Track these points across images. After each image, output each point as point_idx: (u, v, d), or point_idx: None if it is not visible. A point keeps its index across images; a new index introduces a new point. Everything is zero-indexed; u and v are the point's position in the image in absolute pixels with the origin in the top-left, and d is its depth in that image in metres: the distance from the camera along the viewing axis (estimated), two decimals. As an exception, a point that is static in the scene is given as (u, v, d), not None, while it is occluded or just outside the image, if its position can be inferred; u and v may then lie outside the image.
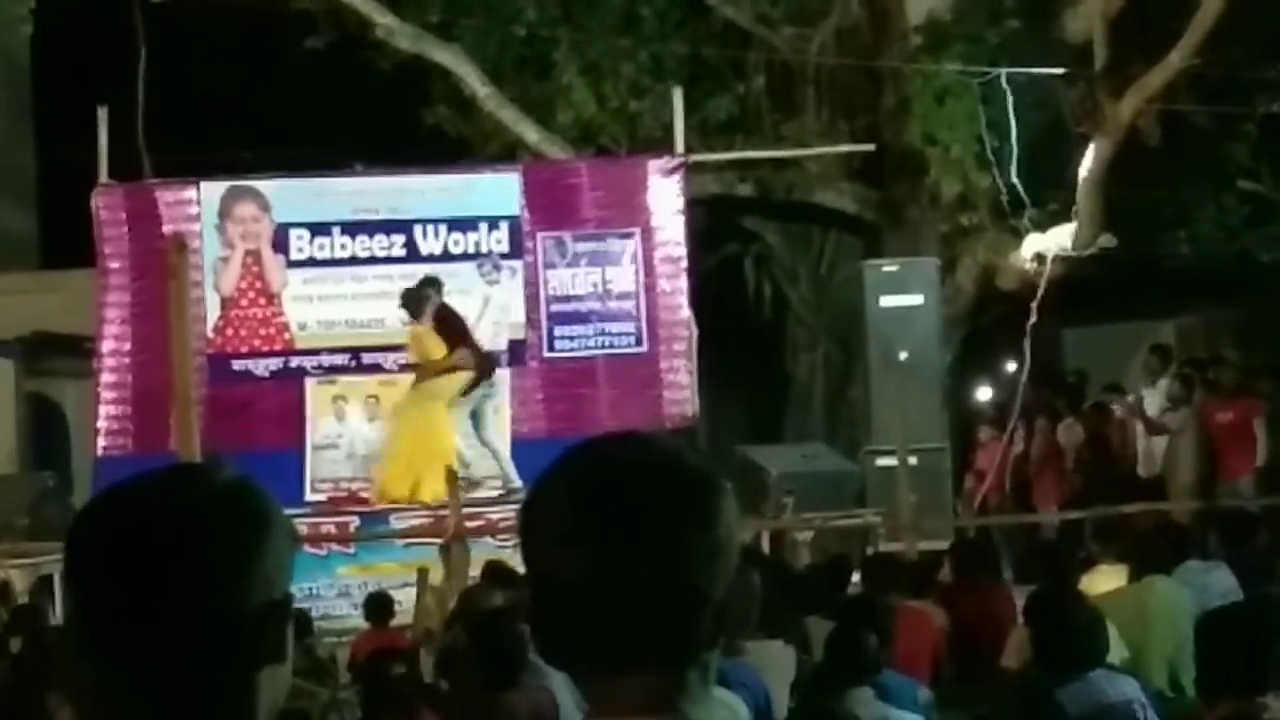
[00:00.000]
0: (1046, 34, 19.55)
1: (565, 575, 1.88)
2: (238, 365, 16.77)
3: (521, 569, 2.17)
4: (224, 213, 16.86)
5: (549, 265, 17.00)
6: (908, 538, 14.67)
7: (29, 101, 25.66)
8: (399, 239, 16.90)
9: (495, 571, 10.90)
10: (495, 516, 14.85)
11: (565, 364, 16.96)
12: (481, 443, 16.29)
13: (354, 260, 16.87)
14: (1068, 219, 18.81)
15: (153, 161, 18.15)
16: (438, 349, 15.94)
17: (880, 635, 7.20)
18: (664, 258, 17.01)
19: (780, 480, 16.07)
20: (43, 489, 17.06)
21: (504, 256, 16.87)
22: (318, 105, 23.51)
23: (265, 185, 17.07)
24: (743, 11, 21.34)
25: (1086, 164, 18.43)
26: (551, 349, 16.98)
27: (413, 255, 16.88)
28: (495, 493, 15.97)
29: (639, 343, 16.97)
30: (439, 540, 14.04)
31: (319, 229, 16.90)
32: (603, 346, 16.98)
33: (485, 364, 16.26)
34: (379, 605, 11.94)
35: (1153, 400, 17.42)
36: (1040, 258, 18.79)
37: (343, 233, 16.90)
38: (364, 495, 16.29)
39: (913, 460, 15.62)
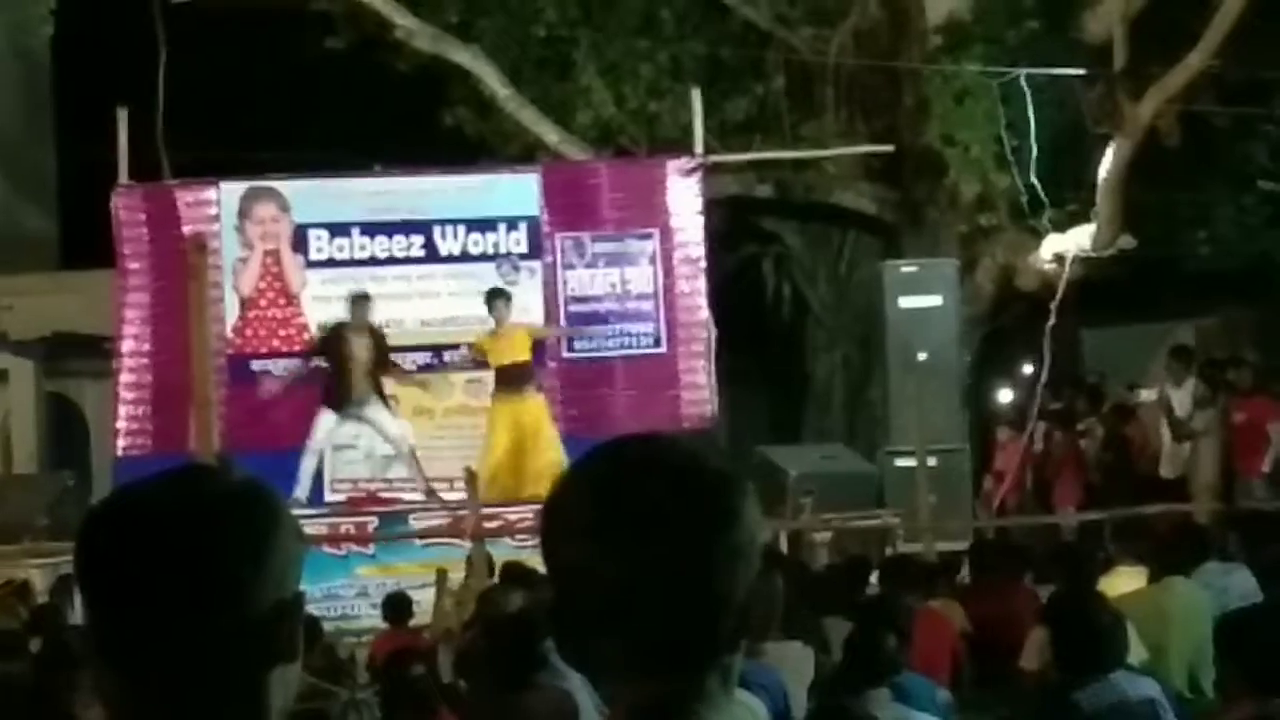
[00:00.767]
0: (1066, 34, 19.52)
1: (585, 576, 1.87)
2: (257, 365, 16.79)
3: (541, 569, 2.17)
4: (243, 213, 16.89)
5: (568, 266, 17.01)
6: (926, 539, 14.66)
7: (49, 102, 25.72)
8: (418, 240, 16.92)
9: (514, 572, 10.89)
10: (513, 517, 14.86)
11: (584, 364, 16.96)
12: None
13: (373, 261, 16.90)
14: (1087, 220, 18.78)
15: (172, 162, 18.17)
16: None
17: (899, 636, 7.18)
18: (683, 258, 17.01)
19: (799, 481, 16.05)
20: (62, 489, 17.11)
21: (523, 257, 16.88)
22: (337, 106, 23.55)
23: (285, 186, 17.10)
24: (762, 12, 21.33)
25: (1106, 164, 18.39)
26: (570, 349, 16.99)
27: (432, 256, 16.90)
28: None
29: (658, 343, 16.98)
30: (457, 541, 14.05)
31: (338, 229, 16.93)
32: (621, 347, 16.99)
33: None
34: (398, 606, 11.94)
35: (1179, 401, 17.38)
36: (1059, 258, 18.77)
37: (362, 233, 16.93)
38: (383, 495, 16.30)
39: (932, 461, 15.61)
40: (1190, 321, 22.16)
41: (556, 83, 21.23)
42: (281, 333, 16.83)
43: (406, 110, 21.92)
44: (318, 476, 16.08)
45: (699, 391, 16.85)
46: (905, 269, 17.89)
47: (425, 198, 17.15)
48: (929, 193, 19.85)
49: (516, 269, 16.77)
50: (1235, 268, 21.03)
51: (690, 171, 17.12)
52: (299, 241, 16.88)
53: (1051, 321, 18.29)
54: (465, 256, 16.91)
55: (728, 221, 20.78)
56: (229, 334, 16.67)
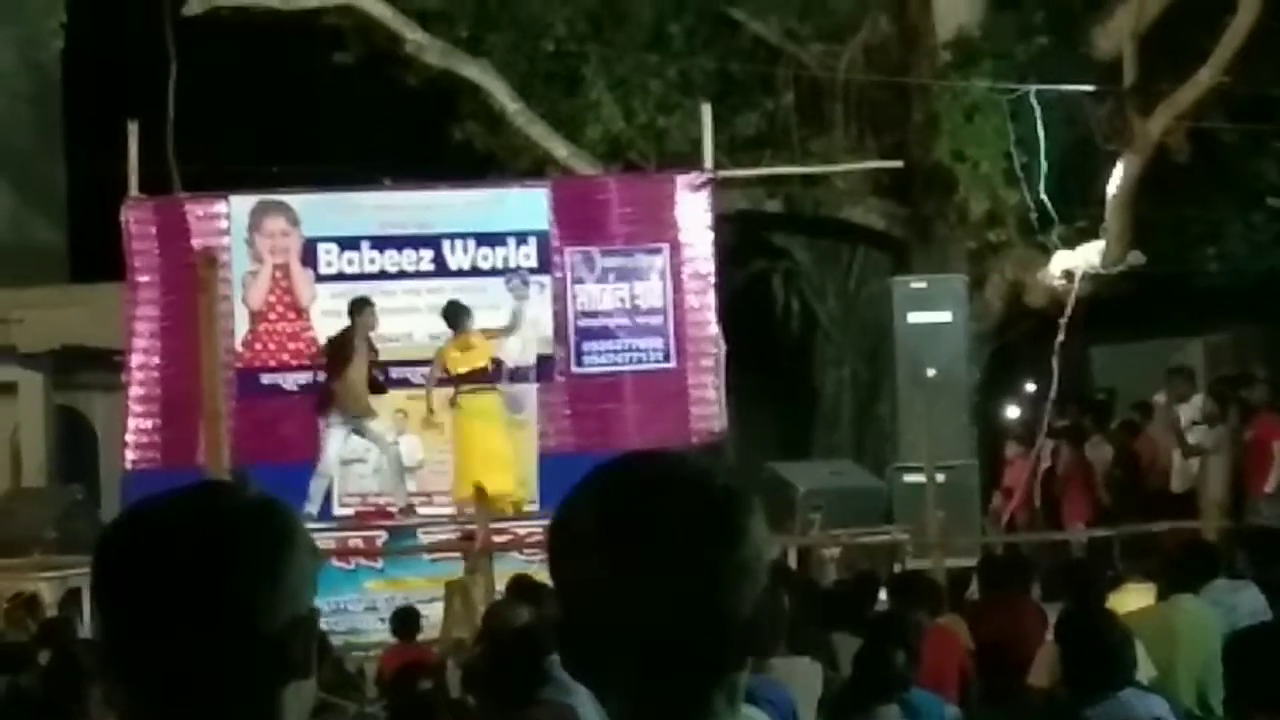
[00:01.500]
0: (1076, 51, 19.53)
1: (592, 591, 1.87)
2: (266, 379, 16.80)
3: (548, 584, 2.17)
4: (253, 227, 16.90)
5: (577, 280, 17.01)
6: (935, 555, 14.63)
7: (59, 116, 25.80)
8: (427, 254, 16.92)
9: (522, 586, 10.89)
10: (522, 532, 14.86)
11: (593, 379, 16.96)
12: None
13: (383, 275, 16.90)
14: (1096, 236, 18.78)
15: (182, 176, 18.20)
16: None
17: (907, 652, 7.18)
18: (692, 273, 17.01)
19: (808, 496, 16.04)
20: (71, 502, 17.10)
21: (532, 272, 16.87)
22: (347, 120, 23.59)
23: (294, 200, 17.11)
24: (771, 28, 21.36)
25: (1115, 181, 18.39)
26: (579, 364, 16.99)
27: (441, 270, 16.91)
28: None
29: (667, 358, 16.97)
30: (466, 555, 14.05)
31: (348, 243, 16.93)
32: (631, 362, 16.98)
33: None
34: (406, 620, 11.94)
35: (1187, 418, 17.37)
36: (1069, 275, 18.76)
37: (371, 247, 16.94)
38: (391, 509, 16.30)
39: (940, 477, 15.60)
40: (1199, 338, 22.15)
41: (566, 97, 21.25)
42: (291, 346, 16.84)
43: (416, 124, 21.96)
44: (327, 490, 16.11)
45: (708, 407, 16.83)
46: (914, 285, 17.88)
47: (434, 212, 17.16)
48: (938, 209, 19.85)
49: (526, 283, 16.74)
50: (1245, 284, 21.01)
51: (700, 186, 17.12)
52: (308, 255, 16.88)
53: (1060, 338, 18.29)
54: (475, 271, 16.91)
55: (737, 237, 20.81)
56: (238, 347, 16.68)
